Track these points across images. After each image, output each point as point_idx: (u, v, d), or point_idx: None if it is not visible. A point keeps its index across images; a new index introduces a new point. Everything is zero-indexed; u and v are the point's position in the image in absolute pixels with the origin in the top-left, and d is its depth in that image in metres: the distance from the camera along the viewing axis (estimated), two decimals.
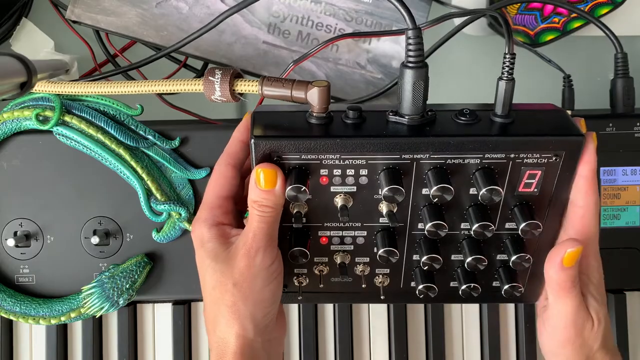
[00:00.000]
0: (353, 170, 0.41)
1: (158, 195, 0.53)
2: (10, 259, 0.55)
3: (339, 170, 0.41)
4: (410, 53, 0.38)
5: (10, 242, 0.54)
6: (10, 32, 0.61)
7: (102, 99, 0.53)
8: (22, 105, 0.53)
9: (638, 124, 0.54)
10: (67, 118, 0.52)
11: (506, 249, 0.45)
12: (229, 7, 0.51)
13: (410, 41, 0.38)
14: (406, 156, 0.40)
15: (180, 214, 0.53)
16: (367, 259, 0.46)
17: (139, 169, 0.52)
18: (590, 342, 0.43)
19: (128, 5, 0.54)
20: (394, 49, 0.56)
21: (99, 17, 0.54)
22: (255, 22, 0.55)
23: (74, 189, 0.54)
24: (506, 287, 0.45)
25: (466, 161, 0.40)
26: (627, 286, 0.59)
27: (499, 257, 0.46)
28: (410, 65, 0.39)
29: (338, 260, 0.46)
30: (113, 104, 0.53)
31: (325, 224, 0.44)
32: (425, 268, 0.44)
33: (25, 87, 0.44)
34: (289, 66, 0.49)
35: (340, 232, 0.45)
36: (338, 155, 0.40)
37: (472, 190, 0.42)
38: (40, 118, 0.52)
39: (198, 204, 0.54)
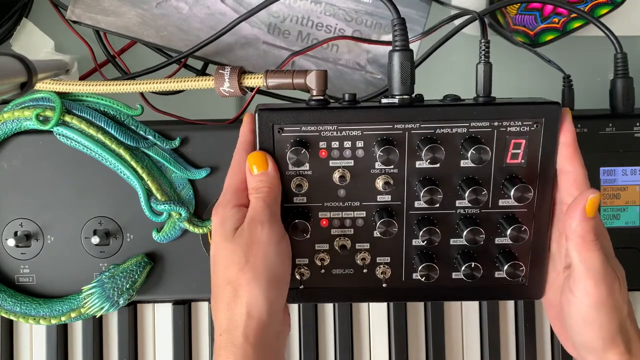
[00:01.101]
0: (350, 143, 0.44)
1: (158, 195, 0.53)
2: (10, 259, 0.55)
3: (337, 143, 0.44)
4: (397, 39, 0.45)
5: (11, 242, 0.54)
6: (10, 32, 0.61)
7: (102, 99, 0.53)
8: (23, 105, 0.53)
9: (638, 124, 0.54)
10: (67, 118, 0.52)
11: (502, 227, 0.46)
12: (231, 8, 0.51)
13: (396, 28, 0.45)
14: (398, 126, 0.44)
15: (180, 214, 0.53)
16: (367, 245, 0.47)
17: (139, 169, 0.52)
18: (620, 304, 0.41)
19: (128, 5, 0.54)
20: None
21: (99, 17, 0.54)
22: (255, 22, 0.55)
23: (74, 189, 0.54)
24: (507, 267, 0.45)
25: (454, 130, 0.44)
26: (628, 286, 0.58)
27: (498, 240, 0.47)
28: (397, 49, 0.45)
29: (339, 244, 0.47)
30: (113, 104, 0.53)
31: (325, 204, 0.46)
32: (424, 243, 0.45)
33: (25, 87, 0.44)
34: (286, 58, 0.52)
35: (340, 212, 0.46)
36: (336, 127, 0.44)
37: (463, 163, 0.45)
38: (41, 118, 0.52)
39: (198, 204, 0.54)
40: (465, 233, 0.45)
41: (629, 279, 0.57)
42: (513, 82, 0.64)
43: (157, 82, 0.52)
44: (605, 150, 0.54)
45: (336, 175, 0.45)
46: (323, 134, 0.44)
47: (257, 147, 0.45)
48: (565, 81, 0.58)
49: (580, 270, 0.41)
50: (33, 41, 0.61)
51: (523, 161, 0.44)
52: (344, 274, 0.48)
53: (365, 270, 0.48)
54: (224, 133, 0.54)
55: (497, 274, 0.48)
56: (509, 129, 0.44)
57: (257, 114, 0.44)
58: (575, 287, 0.41)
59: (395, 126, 0.44)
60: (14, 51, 0.59)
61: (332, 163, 0.45)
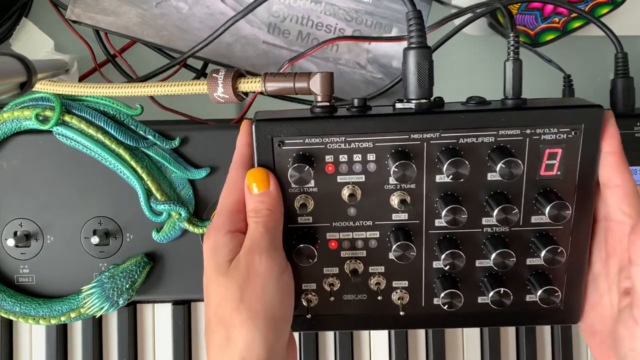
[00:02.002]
0: (360, 156, 0.39)
1: (158, 195, 0.53)
2: (10, 259, 0.55)
3: (345, 156, 0.39)
4: (412, 34, 0.39)
5: (10, 242, 0.53)
6: (10, 32, 0.61)
7: (102, 99, 0.53)
8: (22, 105, 0.53)
9: (638, 123, 0.54)
10: (67, 118, 0.52)
11: (535, 247, 0.40)
12: (231, 8, 0.51)
13: (412, 22, 0.39)
14: (415, 136, 0.38)
15: (180, 214, 0.53)
16: (382, 268, 0.42)
17: (138, 169, 0.52)
18: None
19: (128, 5, 0.54)
20: (394, 48, 0.55)
21: (98, 17, 0.54)
22: (255, 22, 0.55)
23: (74, 189, 0.54)
24: (540, 292, 0.40)
25: (479, 140, 0.38)
26: None
27: (529, 261, 0.41)
28: (413, 46, 0.39)
29: (350, 268, 0.42)
30: (113, 103, 0.53)
31: (333, 224, 0.41)
32: (446, 268, 0.40)
33: (25, 87, 0.44)
34: (283, 64, 0.49)
35: (351, 233, 0.41)
36: (343, 138, 0.39)
37: (490, 176, 0.39)
38: (40, 118, 0.52)
39: (198, 204, 0.54)
40: (493, 256, 0.39)
41: None
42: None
43: (148, 86, 0.49)
44: None
45: (345, 192, 0.40)
46: (329, 146, 0.39)
47: (255, 163, 0.40)
48: (565, 81, 0.58)
49: None
50: (33, 41, 0.61)
51: (559, 173, 0.39)
52: (356, 299, 0.43)
53: (380, 298, 0.42)
54: (224, 133, 0.54)
55: (528, 298, 0.42)
56: (543, 136, 0.38)
57: (254, 126, 0.39)
58: None
59: (412, 136, 0.38)
60: (14, 51, 0.59)
61: (340, 179, 0.40)
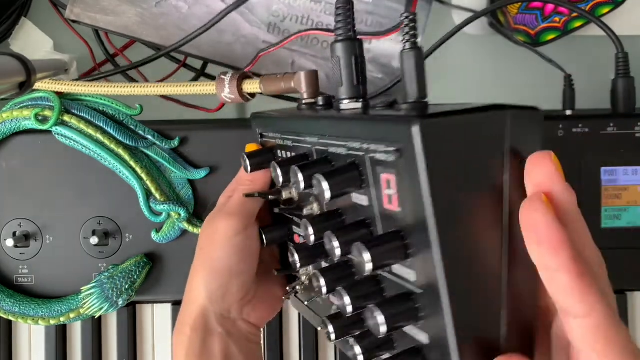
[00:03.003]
0: (289, 154, 0.40)
1: (157, 196, 0.53)
2: (9, 259, 0.55)
3: (283, 153, 0.40)
4: (339, 26, 0.35)
5: (10, 242, 0.53)
6: (9, 31, 0.61)
7: (101, 99, 0.53)
8: (21, 105, 0.53)
9: (639, 123, 0.54)
10: (66, 118, 0.52)
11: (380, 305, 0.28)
12: (227, 5, 0.51)
13: (339, 12, 0.35)
14: (308, 139, 0.36)
15: (179, 214, 0.53)
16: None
17: (138, 169, 0.52)
18: None
19: (127, 4, 0.54)
20: (394, 48, 0.55)
21: (98, 16, 0.54)
22: (255, 21, 0.55)
23: (73, 189, 0.54)
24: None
25: (339, 151, 0.32)
26: (629, 286, 0.59)
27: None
28: (339, 39, 0.35)
29: (303, 271, 0.41)
30: (112, 103, 0.53)
31: (293, 218, 0.43)
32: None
33: (24, 86, 0.44)
34: (255, 57, 0.49)
35: (300, 230, 0.42)
36: (280, 135, 0.40)
37: (354, 197, 0.31)
38: (40, 118, 0.52)
39: (198, 204, 0.54)
40: (344, 299, 0.30)
41: (631, 279, 0.57)
42: (513, 82, 0.64)
43: (158, 86, 0.50)
44: (606, 150, 0.54)
45: (291, 189, 0.39)
46: (278, 142, 0.41)
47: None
48: (566, 81, 0.58)
49: None
50: (32, 41, 0.61)
51: (400, 209, 0.27)
52: (315, 298, 0.42)
53: (323, 302, 0.41)
54: (224, 133, 0.54)
55: None
56: (376, 156, 0.28)
57: (251, 119, 0.44)
58: None
59: (306, 139, 0.36)
60: (13, 51, 0.59)
61: (281, 171, 0.38)
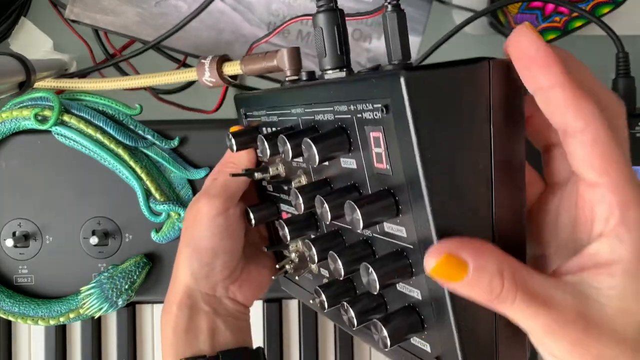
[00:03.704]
0: (275, 129, 0.39)
1: (157, 196, 0.53)
2: (8, 259, 0.55)
3: (270, 129, 0.40)
4: None
5: (9, 242, 0.53)
6: (9, 31, 0.61)
7: (101, 99, 0.52)
8: (21, 104, 0.53)
9: (639, 123, 0.54)
10: (66, 118, 0.51)
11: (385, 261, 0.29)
12: (230, 7, 0.51)
13: None
14: (294, 111, 0.36)
15: (179, 214, 0.53)
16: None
17: (137, 169, 0.52)
18: None
19: (127, 4, 0.54)
20: None
21: (98, 16, 0.54)
22: (255, 21, 0.55)
23: (73, 189, 0.54)
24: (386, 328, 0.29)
25: (326, 117, 0.32)
26: None
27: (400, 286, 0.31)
28: (319, 10, 0.34)
29: (294, 242, 0.40)
30: (112, 103, 0.52)
31: (281, 196, 0.43)
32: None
33: (24, 86, 0.44)
34: (250, 46, 0.49)
35: (289, 207, 0.42)
36: (265, 112, 0.40)
37: (343, 162, 0.31)
38: (39, 118, 0.52)
39: None
40: (337, 262, 0.31)
41: None
42: None
43: (140, 78, 0.50)
44: None
45: (278, 165, 0.40)
46: (263, 119, 0.41)
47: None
48: None
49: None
50: (32, 40, 0.61)
51: (389, 167, 0.27)
52: (307, 276, 0.43)
53: (314, 278, 0.41)
54: (223, 133, 0.53)
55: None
56: (364, 115, 0.28)
57: (234, 100, 0.44)
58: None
59: (292, 111, 0.36)
60: (13, 50, 0.59)
61: (268, 144, 0.38)
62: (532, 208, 0.31)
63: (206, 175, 0.54)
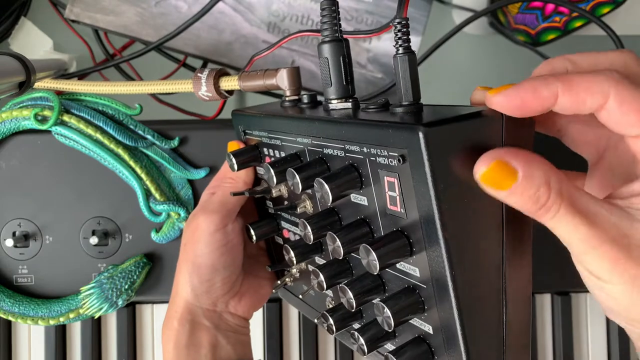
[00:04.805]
0: (277, 152, 0.40)
1: (157, 196, 0.53)
2: (8, 259, 0.55)
3: (272, 151, 0.41)
4: (325, 26, 0.35)
5: (9, 242, 0.53)
6: (9, 31, 0.61)
7: (101, 99, 0.52)
8: (21, 104, 0.53)
9: None
10: (65, 118, 0.51)
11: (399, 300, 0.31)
12: (230, 7, 0.51)
13: (324, 14, 0.35)
14: (300, 140, 0.36)
15: (179, 214, 0.53)
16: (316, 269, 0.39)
17: (137, 169, 0.52)
18: None
19: (127, 4, 0.54)
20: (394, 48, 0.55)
21: (97, 16, 0.54)
22: (255, 21, 0.55)
23: (73, 189, 0.54)
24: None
25: (335, 152, 0.33)
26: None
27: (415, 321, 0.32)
28: (326, 40, 0.35)
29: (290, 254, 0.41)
30: (112, 103, 0.52)
31: (282, 214, 0.44)
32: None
33: (24, 86, 0.44)
34: (249, 60, 0.48)
35: (291, 226, 0.43)
36: (267, 134, 0.40)
37: (353, 198, 0.32)
38: (39, 118, 0.52)
39: (197, 204, 0.54)
40: (347, 294, 0.32)
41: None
42: (514, 82, 0.64)
43: (134, 85, 0.49)
44: None
45: (280, 186, 0.40)
46: (264, 140, 0.41)
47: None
48: None
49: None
50: (32, 40, 0.61)
51: (402, 211, 0.29)
52: (309, 290, 0.43)
53: (315, 296, 0.43)
54: (223, 133, 0.54)
55: None
56: (378, 159, 0.29)
57: (232, 116, 0.44)
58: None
59: (297, 139, 0.36)
60: (13, 50, 0.59)
61: (274, 172, 0.38)
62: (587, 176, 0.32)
63: (206, 176, 0.54)
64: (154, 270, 0.55)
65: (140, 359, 0.59)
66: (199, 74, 0.46)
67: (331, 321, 0.35)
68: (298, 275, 0.44)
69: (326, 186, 0.30)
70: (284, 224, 0.44)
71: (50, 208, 0.54)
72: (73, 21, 0.55)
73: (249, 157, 0.42)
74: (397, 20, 0.30)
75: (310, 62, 0.55)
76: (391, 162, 0.28)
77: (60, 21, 0.59)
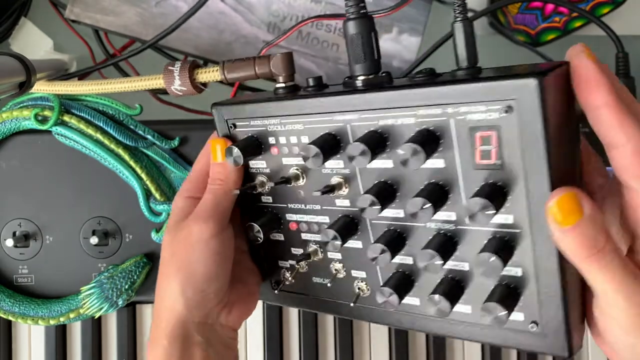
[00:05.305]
0: (295, 138, 0.38)
1: (157, 196, 0.53)
2: (9, 259, 0.55)
3: (284, 138, 0.39)
4: (350, 3, 0.36)
5: (9, 242, 0.53)
6: (9, 31, 0.61)
7: (101, 99, 0.53)
8: (21, 105, 0.53)
9: None
10: (66, 118, 0.52)
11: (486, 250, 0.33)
12: (230, 7, 0.51)
13: None
14: (338, 117, 0.36)
15: None
16: (339, 255, 0.41)
17: (138, 169, 0.52)
18: None
19: (127, 4, 0.54)
20: (394, 48, 0.55)
21: (98, 16, 0.54)
22: (255, 21, 0.55)
23: (73, 189, 0.54)
24: (481, 308, 0.32)
25: (399, 121, 0.33)
26: None
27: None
28: (351, 17, 0.36)
29: (310, 250, 0.41)
30: (112, 103, 0.52)
31: (289, 205, 0.41)
32: (372, 262, 0.35)
33: (24, 86, 0.44)
34: (261, 50, 0.47)
35: (305, 216, 0.41)
36: (279, 120, 0.38)
37: (429, 164, 0.33)
38: (39, 118, 0.52)
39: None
40: (418, 255, 0.33)
41: None
42: None
43: (104, 84, 0.48)
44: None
45: (291, 175, 0.39)
46: (269, 128, 0.39)
47: None
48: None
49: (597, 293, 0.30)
50: (32, 40, 0.61)
51: (498, 161, 0.31)
52: (322, 283, 0.42)
53: (339, 285, 0.41)
54: None
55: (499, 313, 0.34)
56: (468, 117, 0.31)
57: (213, 109, 0.41)
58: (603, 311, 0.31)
59: (335, 118, 0.36)
60: (13, 50, 0.59)
61: (285, 161, 0.39)
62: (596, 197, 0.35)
63: None
64: (154, 270, 0.55)
65: (140, 359, 0.59)
66: (170, 67, 0.44)
67: (395, 293, 0.35)
68: (306, 269, 0.42)
69: (422, 152, 0.30)
70: (290, 215, 0.42)
71: (51, 208, 0.54)
72: (73, 21, 0.55)
73: (252, 149, 0.40)
74: None
75: (311, 63, 0.56)
76: (490, 115, 0.30)
77: (60, 21, 0.59)
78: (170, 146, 0.53)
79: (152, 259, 0.55)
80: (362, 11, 0.36)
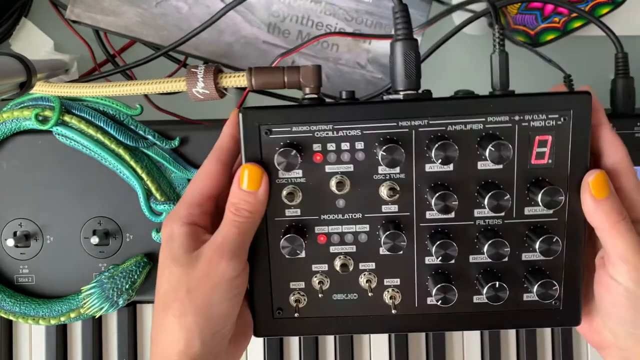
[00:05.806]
0: (348, 144, 0.39)
1: (158, 196, 0.53)
2: (9, 259, 0.55)
3: (333, 145, 0.39)
4: (399, 27, 0.41)
5: (10, 242, 0.53)
6: (9, 31, 0.61)
7: (101, 99, 0.53)
8: (22, 105, 0.53)
9: (638, 124, 0.54)
10: (66, 118, 0.52)
11: (529, 240, 0.40)
12: (227, 4, 0.51)
13: (398, 15, 0.41)
14: (403, 123, 0.38)
15: None
16: (372, 265, 0.41)
17: (138, 169, 0.52)
18: None
19: (128, 5, 0.54)
20: None
21: (98, 16, 0.54)
22: (255, 21, 0.55)
23: (74, 189, 0.54)
24: (537, 286, 0.39)
25: (468, 127, 0.38)
26: None
27: (525, 256, 0.40)
28: (399, 38, 0.41)
29: (339, 263, 0.40)
30: (113, 103, 0.53)
31: (322, 217, 0.40)
32: (439, 260, 0.38)
33: (24, 87, 0.44)
34: (275, 59, 0.49)
35: (340, 226, 0.40)
36: (331, 126, 0.38)
37: (481, 165, 0.39)
38: (40, 118, 0.52)
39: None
40: (486, 247, 0.38)
41: None
42: (513, 82, 0.64)
43: (120, 86, 0.49)
44: None
45: (333, 183, 0.39)
46: (317, 134, 0.38)
47: (243, 153, 0.39)
48: (566, 81, 0.58)
49: (612, 259, 0.37)
50: (32, 41, 0.61)
51: (550, 161, 0.38)
52: (346, 299, 0.41)
53: (370, 294, 0.41)
54: None
55: (525, 297, 0.41)
56: (532, 123, 0.38)
57: (241, 114, 0.38)
58: (608, 285, 0.38)
59: (400, 123, 0.38)
60: (13, 51, 0.59)
61: (328, 168, 0.39)
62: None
63: None
64: (155, 270, 0.55)
65: (140, 359, 0.60)
66: (193, 70, 0.43)
67: (453, 290, 0.39)
68: (328, 285, 0.41)
69: (510, 147, 0.37)
70: (321, 228, 0.40)
71: (51, 208, 0.54)
72: (74, 22, 0.55)
73: (293, 158, 0.38)
74: (497, 27, 0.41)
75: (309, 62, 0.56)
76: (548, 123, 0.38)
77: (61, 22, 0.59)
78: (170, 146, 0.53)
79: (152, 258, 0.55)
80: (412, 34, 0.41)
